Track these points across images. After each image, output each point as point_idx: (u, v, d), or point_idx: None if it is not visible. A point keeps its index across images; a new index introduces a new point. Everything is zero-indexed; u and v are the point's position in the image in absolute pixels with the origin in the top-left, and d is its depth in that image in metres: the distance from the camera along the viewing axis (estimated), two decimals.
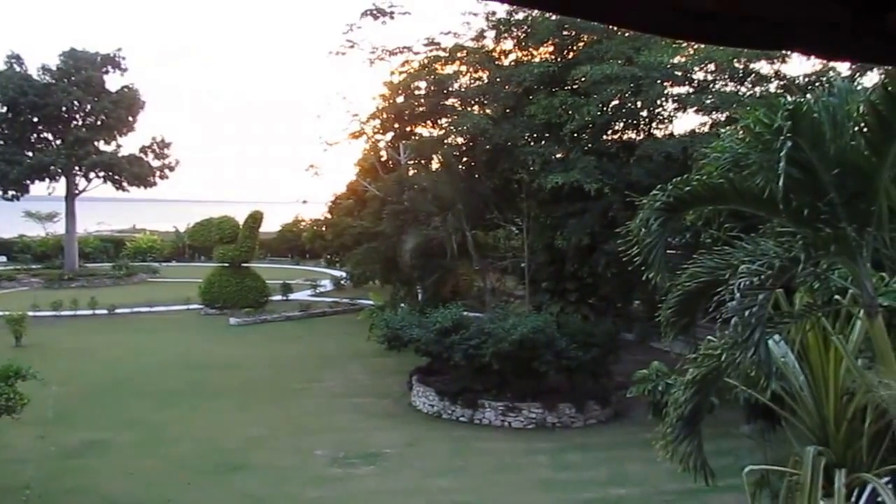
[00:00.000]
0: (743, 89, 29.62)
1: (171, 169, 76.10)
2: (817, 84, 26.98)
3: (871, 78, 23.43)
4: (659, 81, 28.40)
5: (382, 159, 49.74)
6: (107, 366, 37.33)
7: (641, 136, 32.56)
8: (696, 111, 30.04)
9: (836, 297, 12.52)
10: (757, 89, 29.34)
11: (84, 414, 28.89)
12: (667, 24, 2.57)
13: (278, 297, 58.10)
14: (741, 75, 29.30)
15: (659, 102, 29.84)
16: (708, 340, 12.41)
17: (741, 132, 12.31)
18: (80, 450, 25.24)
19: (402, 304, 38.45)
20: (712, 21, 2.41)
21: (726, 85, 29.84)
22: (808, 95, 15.52)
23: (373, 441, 26.36)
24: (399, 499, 21.53)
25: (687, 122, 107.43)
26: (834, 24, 2.41)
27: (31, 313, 45.80)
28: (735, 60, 28.19)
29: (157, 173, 75.47)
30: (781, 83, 29.42)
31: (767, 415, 14.61)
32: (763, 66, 29.20)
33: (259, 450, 25.53)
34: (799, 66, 36.14)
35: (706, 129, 29.65)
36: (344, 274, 67.15)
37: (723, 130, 18.85)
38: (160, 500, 21.22)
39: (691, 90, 30.13)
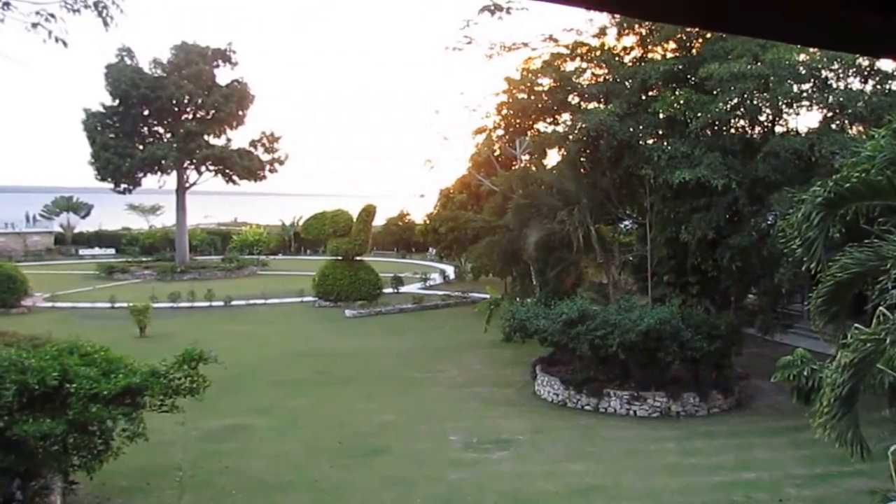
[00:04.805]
0: (867, 87, 29.63)
1: (281, 163, 77.74)
2: None
3: None
4: (787, 80, 28.53)
5: (496, 154, 50.46)
6: (232, 355, 38.09)
7: (763, 132, 32.63)
8: (820, 108, 30.13)
9: None
10: (881, 87, 29.33)
11: (219, 401, 29.85)
12: (764, 26, 2.75)
13: (389, 290, 59.07)
14: (867, 73, 29.30)
15: (784, 99, 29.84)
16: (854, 328, 12.99)
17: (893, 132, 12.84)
18: (222, 434, 26.66)
19: (518, 297, 39.03)
20: (802, 22, 2.54)
21: (850, 82, 29.81)
22: None
23: (502, 428, 27.30)
24: (536, 482, 22.30)
25: (805, 118, 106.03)
26: None
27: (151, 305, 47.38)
28: (861, 57, 28.11)
29: (267, 167, 77.07)
30: None
31: None
32: (888, 63, 28.98)
33: (393, 435, 26.62)
34: None
35: (831, 126, 29.62)
36: (454, 267, 67.67)
37: (861, 132, 18.98)
38: (307, 481, 22.36)
39: (812, 87, 30.14)
